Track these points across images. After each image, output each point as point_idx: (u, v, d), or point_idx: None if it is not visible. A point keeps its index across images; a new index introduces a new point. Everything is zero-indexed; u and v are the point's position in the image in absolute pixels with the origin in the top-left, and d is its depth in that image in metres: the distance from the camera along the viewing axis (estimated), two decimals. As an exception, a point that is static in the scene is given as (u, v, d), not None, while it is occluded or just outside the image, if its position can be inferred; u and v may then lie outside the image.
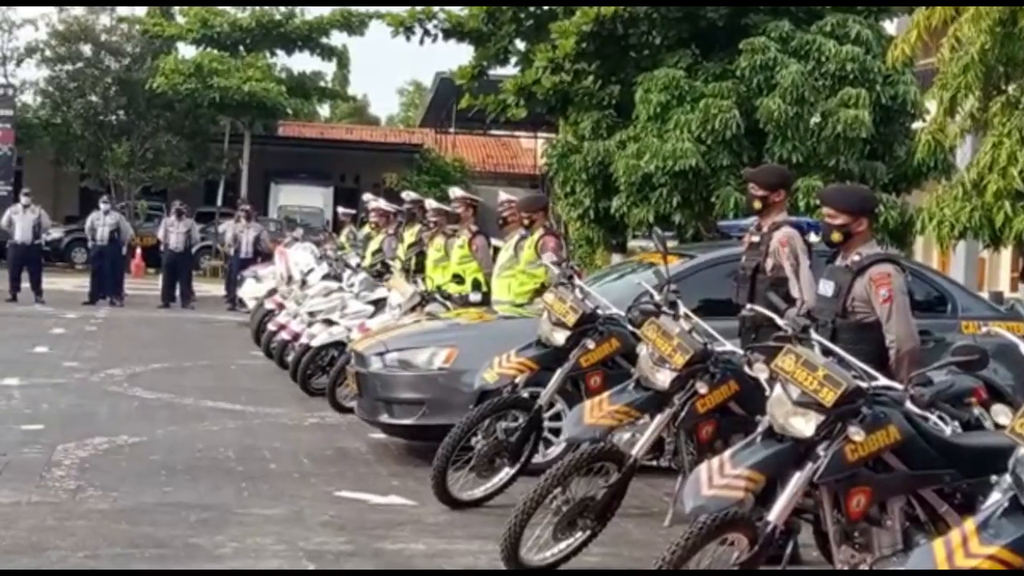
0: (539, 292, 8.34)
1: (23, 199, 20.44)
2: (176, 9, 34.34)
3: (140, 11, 34.39)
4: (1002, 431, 4.39)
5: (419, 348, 7.97)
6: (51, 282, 21.50)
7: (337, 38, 34.40)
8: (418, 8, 17.53)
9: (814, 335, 4.56)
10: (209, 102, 31.72)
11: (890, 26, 16.01)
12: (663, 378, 5.51)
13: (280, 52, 34.67)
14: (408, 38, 17.43)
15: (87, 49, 33.24)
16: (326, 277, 11.96)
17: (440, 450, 6.63)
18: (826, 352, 4.49)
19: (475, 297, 9.62)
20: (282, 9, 33.36)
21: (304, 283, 12.24)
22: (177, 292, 20.65)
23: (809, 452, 4.31)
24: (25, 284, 19.98)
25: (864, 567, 4.43)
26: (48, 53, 33.37)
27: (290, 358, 11.51)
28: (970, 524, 3.12)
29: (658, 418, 5.54)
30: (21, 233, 19.88)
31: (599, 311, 6.80)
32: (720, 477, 4.26)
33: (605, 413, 5.50)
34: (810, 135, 13.75)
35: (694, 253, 8.78)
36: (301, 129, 40.94)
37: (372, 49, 70.02)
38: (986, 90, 9.81)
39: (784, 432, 4.34)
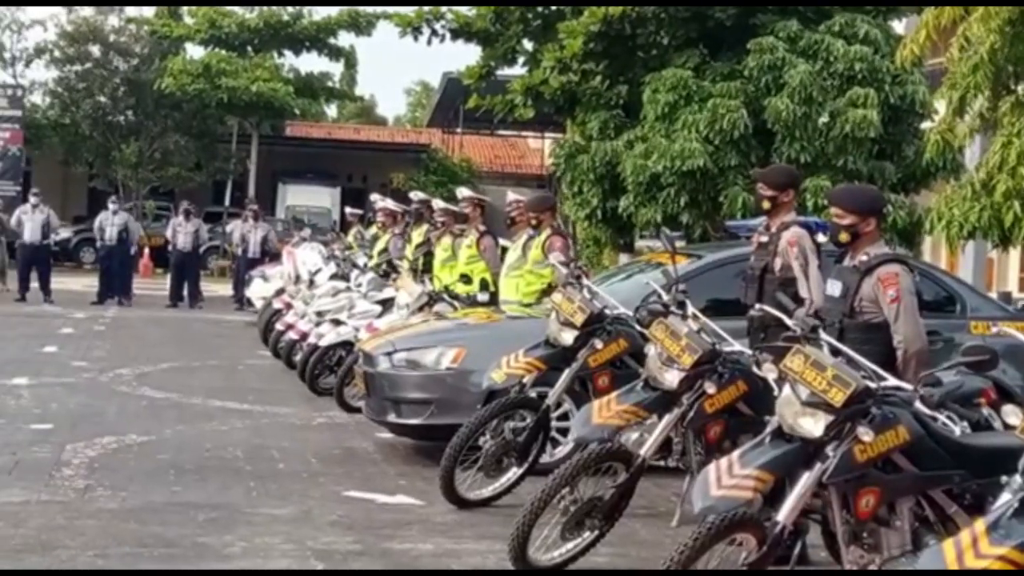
0: (546, 292, 8.33)
1: (32, 199, 20.49)
2: (184, 10, 34.42)
3: (148, 12, 34.53)
4: (1011, 431, 4.39)
5: (427, 348, 7.98)
6: (60, 282, 21.57)
7: (345, 38, 34.49)
8: (426, 8, 17.55)
9: (823, 335, 4.55)
10: (217, 102, 31.78)
11: (899, 26, 15.99)
12: (671, 378, 5.51)
13: (288, 52, 34.76)
14: (416, 38, 17.45)
15: (96, 50, 33.31)
16: (334, 277, 11.97)
17: (448, 450, 6.63)
18: (835, 352, 4.49)
19: (482, 297, 9.61)
20: (290, 9, 33.42)
21: (312, 283, 12.25)
22: (185, 292, 20.69)
23: (818, 452, 4.30)
24: (34, 284, 20.03)
25: (873, 567, 4.42)
26: (57, 54, 33.46)
27: (298, 358, 11.52)
28: (980, 525, 3.11)
29: (666, 418, 5.54)
30: (30, 233, 19.94)
31: (607, 311, 6.80)
32: (729, 477, 4.26)
33: (613, 413, 5.49)
34: (818, 135, 13.73)
35: (702, 253, 8.77)
36: (309, 129, 40.98)
37: (379, 49, 70.15)
38: (995, 90, 9.80)
39: (793, 432, 4.33)
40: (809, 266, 6.50)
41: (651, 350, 5.69)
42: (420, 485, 7.22)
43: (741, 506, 4.25)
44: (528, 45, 17.20)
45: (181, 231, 20.64)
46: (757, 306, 5.92)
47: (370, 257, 12.87)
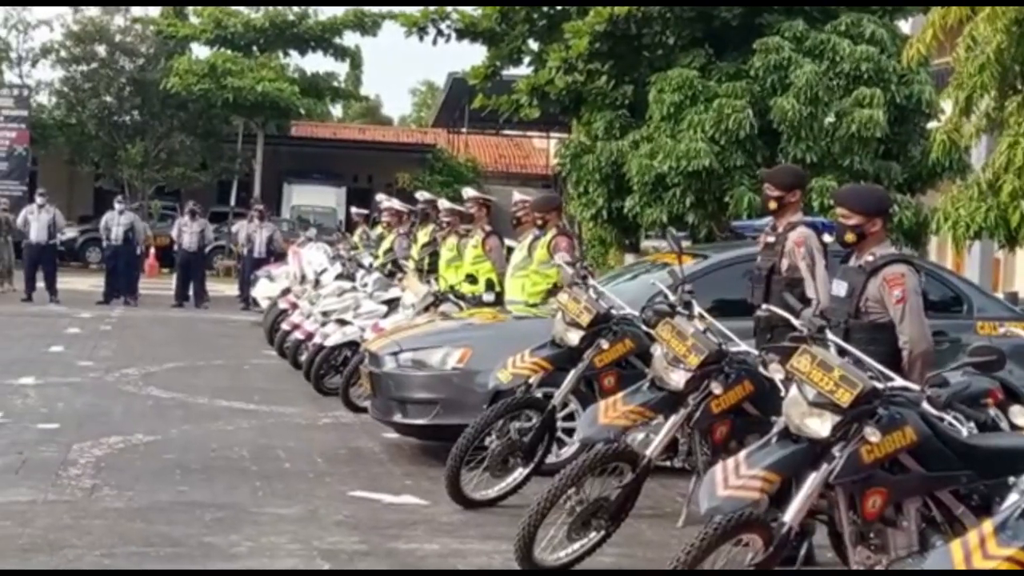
0: (552, 292, 8.34)
1: (38, 199, 20.53)
2: (190, 10, 34.45)
3: (154, 12, 34.57)
4: (1018, 432, 4.38)
5: (433, 348, 7.98)
6: (65, 282, 21.60)
7: (350, 38, 34.51)
8: (431, 8, 17.55)
9: (830, 335, 4.55)
10: (222, 102, 31.81)
11: (905, 25, 15.98)
12: (677, 378, 5.51)
13: (293, 52, 34.78)
14: (421, 38, 17.46)
15: (102, 50, 33.36)
16: (339, 277, 11.97)
17: (454, 450, 6.64)
18: (842, 352, 4.48)
19: (488, 297, 9.61)
20: (295, 9, 33.43)
21: (317, 283, 12.27)
22: (191, 292, 20.72)
23: (825, 453, 4.29)
24: (40, 284, 20.07)
25: (880, 568, 4.41)
26: (63, 54, 33.51)
27: (303, 358, 11.53)
28: (988, 525, 3.11)
29: (672, 418, 5.53)
30: (36, 233, 19.98)
31: (613, 311, 6.79)
32: (735, 478, 4.25)
33: (619, 413, 5.49)
34: (824, 135, 13.73)
35: (708, 253, 8.77)
36: (314, 129, 41.00)
37: (385, 49, 70.13)
38: (1002, 89, 9.78)
39: (800, 433, 4.33)
40: (816, 266, 6.49)
41: (657, 350, 5.70)
42: (426, 485, 7.22)
43: (747, 507, 4.25)
44: (534, 45, 17.20)
45: (186, 231, 20.66)
46: (764, 306, 5.91)
47: (375, 257, 12.88)
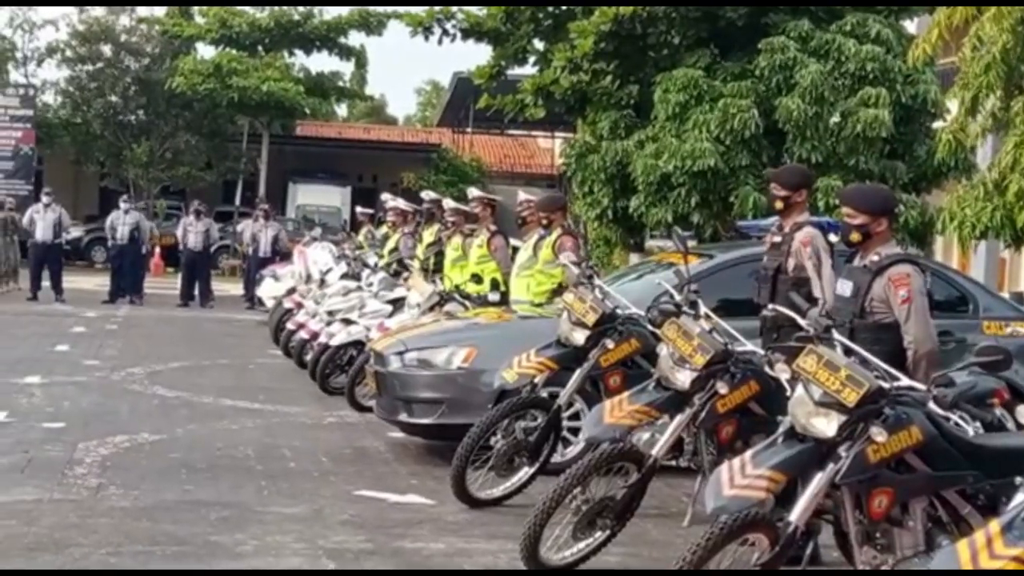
0: (557, 292, 8.34)
1: (44, 198, 20.55)
2: (195, 9, 34.49)
3: (160, 11, 34.60)
4: (1025, 432, 4.38)
5: (438, 348, 7.98)
6: (71, 281, 21.63)
7: (355, 38, 34.53)
8: (436, 8, 17.55)
9: (836, 335, 4.55)
10: (228, 102, 31.85)
11: (911, 25, 15.96)
12: (683, 378, 5.50)
13: (298, 52, 34.82)
14: (427, 38, 17.46)
15: (107, 49, 33.41)
16: (345, 276, 11.98)
17: (459, 449, 6.64)
18: (848, 352, 4.48)
19: (493, 297, 9.62)
20: (300, 9, 33.45)
21: (323, 282, 12.27)
22: (196, 291, 20.74)
23: (831, 453, 4.29)
24: (46, 283, 20.10)
25: (886, 568, 4.41)
26: (69, 53, 33.57)
27: (309, 357, 11.54)
28: (995, 525, 3.10)
29: (678, 418, 5.53)
30: (42, 232, 20.01)
31: (619, 311, 6.80)
32: (742, 477, 4.25)
33: (625, 413, 5.49)
34: (830, 135, 13.72)
35: (713, 253, 8.76)
36: (319, 129, 41.03)
37: (390, 49, 70.19)
38: (1008, 89, 9.77)
39: (806, 432, 4.32)
40: (822, 266, 6.49)
41: (663, 350, 5.69)
42: (431, 484, 7.23)
43: (753, 506, 4.25)
44: (539, 45, 17.19)
45: (192, 230, 20.69)
46: (770, 306, 5.91)
47: (381, 256, 12.89)
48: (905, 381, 4.44)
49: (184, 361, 12.99)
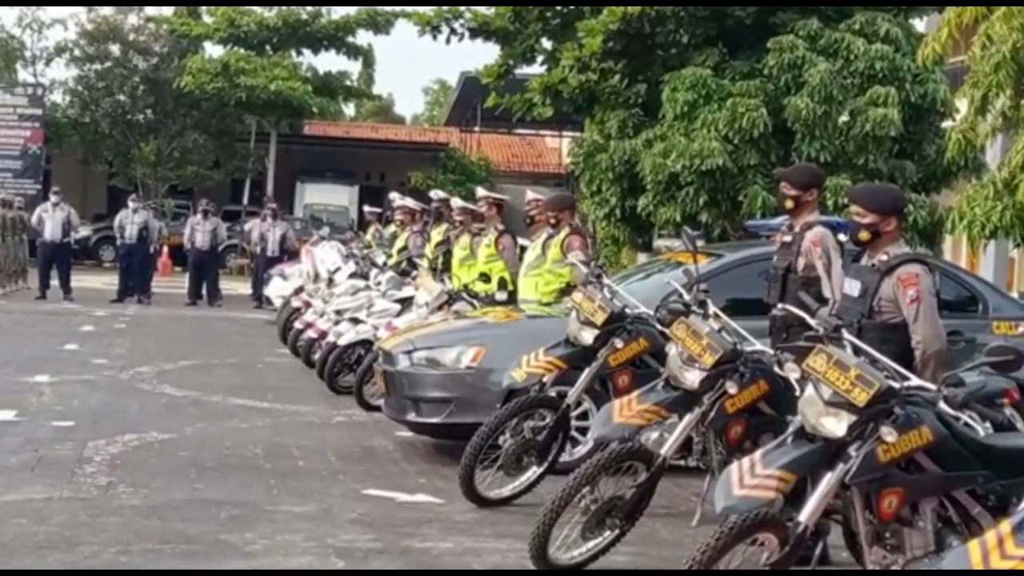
0: (565, 291, 8.33)
1: (52, 197, 20.61)
2: (203, 9, 34.53)
3: (168, 11, 34.64)
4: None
5: (447, 347, 7.98)
6: (80, 280, 21.68)
7: (363, 37, 34.55)
8: (445, 7, 17.54)
9: (846, 335, 4.54)
10: (236, 101, 31.88)
11: (920, 24, 15.91)
12: (692, 377, 5.50)
13: (306, 51, 34.83)
14: (435, 37, 17.44)
15: (115, 49, 33.48)
16: (353, 275, 11.99)
17: (468, 448, 6.64)
18: (857, 352, 4.47)
19: (501, 296, 9.63)
20: (308, 8, 33.48)
21: (331, 281, 12.28)
22: (204, 290, 20.77)
23: (840, 452, 4.28)
24: (54, 282, 20.14)
25: (896, 568, 4.40)
26: (77, 53, 33.64)
27: (317, 356, 11.55)
28: (1006, 525, 3.09)
29: (687, 418, 5.53)
30: (51, 231, 20.07)
31: (627, 310, 6.79)
32: (751, 477, 4.24)
33: (634, 412, 5.49)
34: (838, 134, 13.68)
35: (722, 252, 8.75)
36: (327, 128, 41.06)
37: (397, 48, 70.17)
38: (1017, 88, 9.74)
39: (815, 432, 4.31)
40: (832, 266, 6.47)
41: (672, 349, 5.69)
42: (440, 484, 7.23)
43: (763, 506, 4.24)
44: (547, 44, 17.17)
45: (199, 230, 20.71)
46: (780, 306, 5.90)
47: (389, 256, 12.89)
48: (915, 381, 4.43)
49: (192, 360, 13.01)
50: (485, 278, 9.90)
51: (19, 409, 9.31)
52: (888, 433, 4.18)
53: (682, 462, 5.86)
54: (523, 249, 9.94)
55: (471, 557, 5.79)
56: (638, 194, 14.85)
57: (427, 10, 17.77)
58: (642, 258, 16.27)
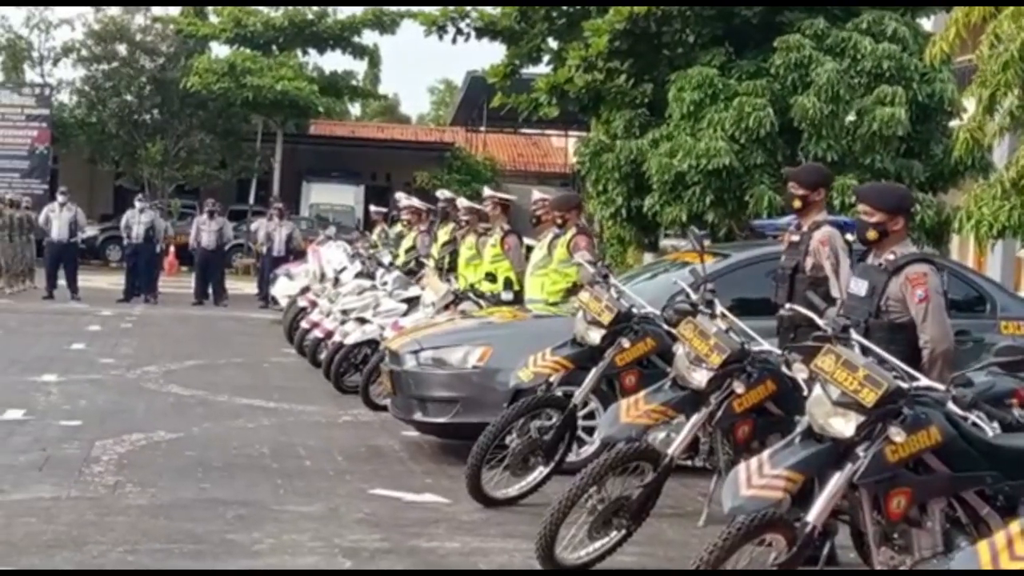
0: (571, 291, 8.33)
1: (59, 197, 20.64)
2: (210, 9, 34.58)
3: (174, 11, 34.70)
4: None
5: (453, 347, 7.98)
6: (86, 280, 21.71)
7: (369, 37, 34.58)
8: (451, 7, 17.54)
9: (854, 335, 4.53)
10: (242, 101, 31.92)
11: (927, 23, 15.88)
12: (700, 377, 5.49)
13: (312, 51, 34.88)
14: (440, 37, 17.45)
15: (122, 49, 33.54)
16: (359, 275, 11.99)
17: (474, 448, 6.64)
18: (865, 352, 4.46)
19: (507, 296, 9.63)
20: (314, 8, 33.51)
21: (337, 281, 12.29)
22: (210, 290, 20.79)
23: (848, 453, 4.27)
24: (61, 281, 20.17)
25: (904, 569, 4.39)
26: (84, 53, 33.71)
27: (323, 356, 11.55)
28: (1015, 526, 3.08)
29: (694, 418, 5.52)
30: (57, 231, 20.10)
31: (634, 310, 6.79)
32: (759, 477, 4.23)
33: (641, 412, 5.48)
34: (845, 133, 13.66)
35: (729, 252, 8.74)
36: (333, 128, 41.10)
37: (403, 48, 70.22)
38: (1026, 88, 9.71)
39: (823, 432, 4.31)
40: (840, 265, 6.46)
41: (679, 349, 5.68)
42: (446, 483, 7.23)
43: (771, 506, 4.23)
44: (553, 43, 17.17)
45: (205, 230, 20.74)
46: (787, 305, 5.88)
47: (395, 256, 12.90)
48: (924, 381, 4.42)
49: (199, 360, 13.02)
50: (491, 278, 9.90)
51: (27, 408, 9.33)
52: (896, 433, 4.17)
53: (689, 462, 5.85)
54: (529, 249, 9.94)
55: (478, 557, 5.79)
56: (644, 194, 14.84)
57: (433, 10, 17.78)
58: (648, 258, 16.27)
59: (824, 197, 6.92)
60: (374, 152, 37.97)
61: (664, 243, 17.49)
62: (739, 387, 5.42)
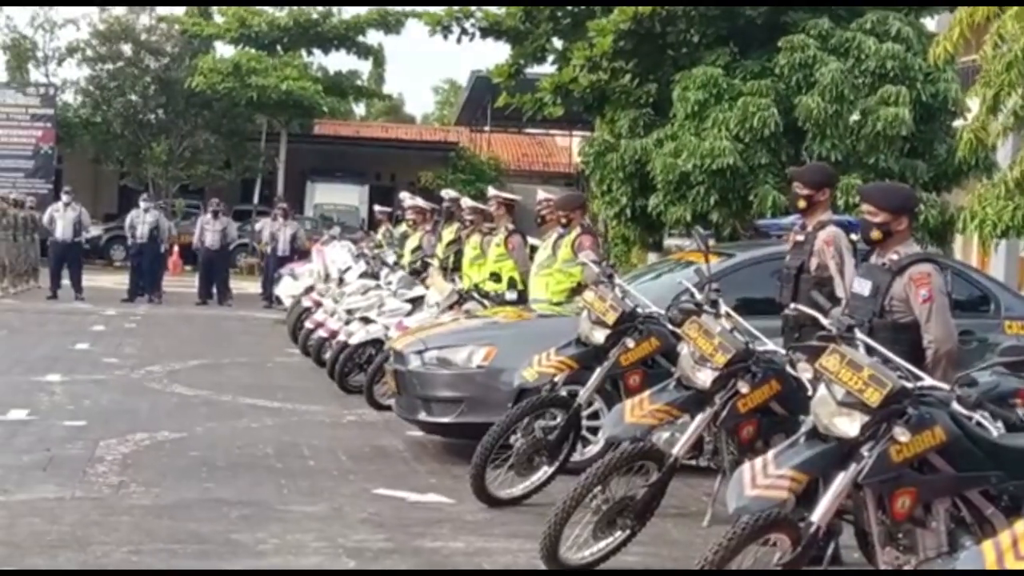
0: (576, 291, 8.33)
1: (64, 197, 20.66)
2: (214, 9, 34.60)
3: (179, 11, 34.72)
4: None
5: (458, 346, 7.99)
6: (91, 279, 21.72)
7: (373, 37, 34.59)
8: (455, 7, 17.54)
9: (859, 335, 4.52)
10: (246, 101, 31.94)
11: (931, 23, 15.86)
12: (704, 377, 5.49)
13: (317, 51, 34.88)
14: (445, 37, 17.44)
15: (127, 49, 33.57)
16: (363, 275, 12.00)
17: (479, 448, 6.64)
18: (870, 352, 4.45)
19: (510, 296, 9.63)
20: (319, 8, 33.53)
21: (341, 281, 12.29)
22: (214, 290, 20.80)
23: (853, 453, 4.27)
24: (65, 281, 20.19)
25: (908, 568, 4.39)
26: (89, 53, 33.75)
27: (327, 356, 11.56)
28: (1020, 526, 3.07)
29: (699, 417, 5.51)
30: (62, 231, 20.12)
31: (639, 310, 6.78)
32: (764, 477, 4.23)
33: (646, 412, 5.48)
34: (849, 133, 13.65)
35: (733, 252, 8.74)
36: (337, 128, 41.11)
37: (408, 48, 70.24)
38: (1029, 88, 9.70)
39: (828, 432, 4.30)
40: (845, 265, 6.46)
41: (684, 349, 5.68)
42: (451, 483, 7.23)
43: (775, 506, 4.23)
44: (558, 43, 17.16)
45: (209, 229, 20.76)
46: (792, 305, 5.88)
47: (400, 256, 12.90)
48: (928, 381, 4.42)
49: (203, 359, 13.03)
50: (496, 278, 9.90)
51: (31, 408, 9.34)
52: (901, 433, 4.17)
53: (693, 462, 5.85)
54: (533, 249, 9.94)
55: (482, 557, 5.79)
56: (648, 193, 14.83)
57: (438, 10, 17.78)
58: (652, 258, 16.25)
59: (829, 197, 6.91)
60: (378, 152, 37.99)
61: (668, 243, 17.48)
62: (743, 387, 5.42)
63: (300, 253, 19.68)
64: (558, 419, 6.80)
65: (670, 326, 6.52)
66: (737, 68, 14.41)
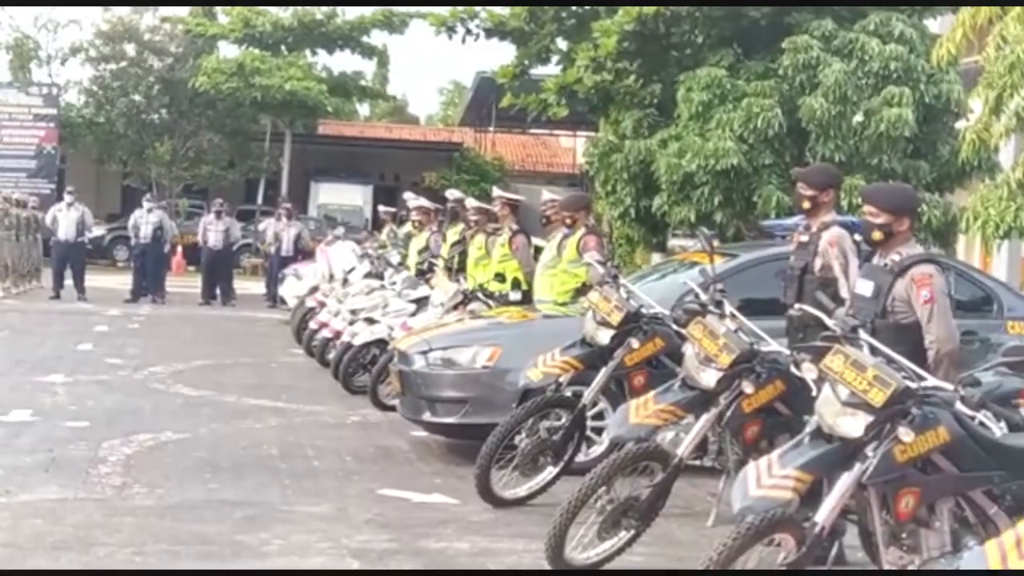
0: (580, 291, 8.33)
1: (67, 197, 20.67)
2: (218, 9, 34.61)
3: (183, 11, 34.71)
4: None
5: (463, 347, 7.99)
6: (93, 279, 21.74)
7: (378, 37, 34.59)
8: (460, 8, 17.55)
9: (863, 335, 4.53)
10: (251, 101, 31.95)
11: (934, 24, 15.85)
12: (709, 377, 5.49)
13: (321, 51, 34.87)
14: (450, 37, 17.45)
15: (131, 49, 33.57)
16: (368, 275, 12.01)
17: (484, 449, 6.64)
18: (874, 352, 4.46)
19: (514, 296, 9.63)
20: (323, 8, 33.53)
21: (345, 281, 12.30)
22: (218, 290, 20.81)
23: (857, 453, 4.27)
24: (68, 281, 20.21)
25: (912, 568, 4.39)
26: (92, 53, 33.75)
27: (331, 356, 11.56)
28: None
29: (703, 418, 5.52)
30: (65, 231, 20.14)
31: (644, 310, 6.79)
32: (768, 477, 4.24)
33: (651, 412, 5.48)
34: (853, 134, 13.65)
35: (737, 252, 8.74)
36: (341, 128, 41.10)
37: (412, 48, 70.27)
38: (1033, 89, 9.69)
39: (832, 432, 4.31)
40: (849, 266, 6.46)
41: (689, 349, 5.68)
42: (455, 484, 7.23)
43: (780, 507, 4.23)
44: (562, 44, 17.17)
45: (212, 230, 20.76)
46: (796, 306, 5.88)
47: (404, 256, 12.90)
48: (932, 381, 4.43)
49: (206, 360, 13.04)
50: (500, 278, 9.91)
51: (33, 409, 9.35)
52: (905, 433, 4.17)
53: (698, 462, 5.85)
54: (538, 249, 9.94)
55: (486, 557, 5.79)
56: (653, 194, 14.84)
57: (442, 10, 17.78)
58: (656, 258, 16.25)
59: (833, 198, 6.92)
60: (382, 152, 38.00)
61: (673, 243, 17.48)
62: (748, 387, 5.42)
63: (304, 253, 19.69)
64: (563, 419, 6.81)
65: (675, 326, 6.52)
66: (741, 69, 14.41)
